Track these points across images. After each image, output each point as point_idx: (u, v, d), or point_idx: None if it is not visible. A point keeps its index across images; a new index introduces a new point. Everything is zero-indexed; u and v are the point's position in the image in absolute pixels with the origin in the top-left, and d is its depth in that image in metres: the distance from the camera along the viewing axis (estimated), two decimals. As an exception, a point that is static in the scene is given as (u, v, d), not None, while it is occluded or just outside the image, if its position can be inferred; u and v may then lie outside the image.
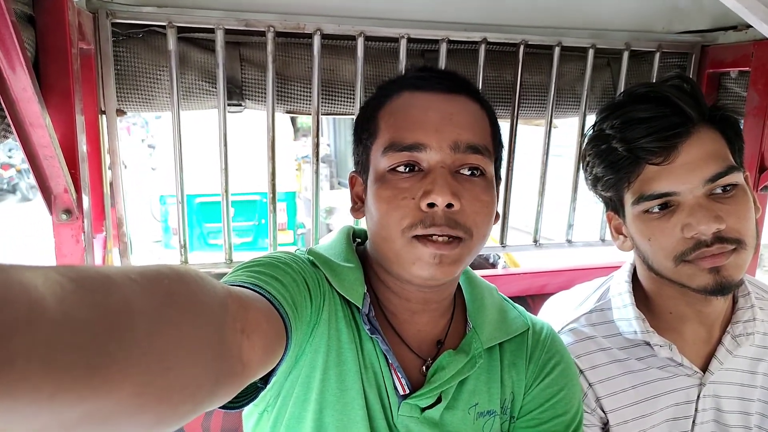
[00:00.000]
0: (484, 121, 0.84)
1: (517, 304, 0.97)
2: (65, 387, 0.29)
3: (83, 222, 1.03)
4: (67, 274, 0.31)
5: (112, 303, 0.34)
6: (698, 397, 1.00)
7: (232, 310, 0.50)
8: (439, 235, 0.76)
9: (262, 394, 0.65)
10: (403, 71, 1.29)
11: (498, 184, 0.90)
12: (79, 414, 0.31)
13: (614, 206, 1.00)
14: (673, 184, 0.88)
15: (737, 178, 0.89)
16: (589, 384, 0.99)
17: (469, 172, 0.79)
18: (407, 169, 0.79)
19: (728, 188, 0.89)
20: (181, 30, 1.18)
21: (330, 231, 6.57)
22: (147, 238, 7.26)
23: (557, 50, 1.38)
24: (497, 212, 0.92)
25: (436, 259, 0.76)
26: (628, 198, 0.94)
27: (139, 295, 0.36)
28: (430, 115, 0.79)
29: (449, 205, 0.75)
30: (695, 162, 0.88)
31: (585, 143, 1.02)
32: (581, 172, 1.51)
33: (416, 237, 0.76)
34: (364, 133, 0.87)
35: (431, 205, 0.75)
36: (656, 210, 0.91)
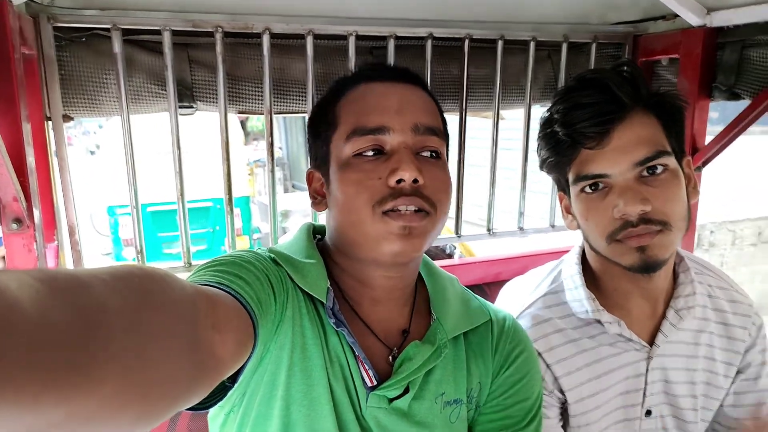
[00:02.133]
0: (436, 109, 0.89)
1: (477, 295, 0.99)
2: (49, 387, 0.30)
3: (35, 232, 1.00)
4: (39, 276, 0.32)
5: (86, 303, 0.34)
6: (647, 370, 1.05)
7: (202, 307, 0.50)
8: (407, 209, 0.79)
9: (229, 394, 0.65)
10: (353, 68, 1.31)
11: None
12: (63, 414, 0.32)
13: (562, 186, 1.05)
14: (604, 167, 0.93)
15: (667, 161, 0.93)
16: (547, 365, 1.03)
17: (429, 154, 0.84)
18: (372, 153, 0.82)
19: (657, 171, 0.93)
20: (126, 32, 1.16)
21: (285, 234, 6.51)
22: (95, 251, 7.02)
23: (500, 44, 1.42)
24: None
25: (405, 231, 0.78)
26: (570, 178, 0.99)
27: (111, 295, 0.37)
28: (391, 100, 0.83)
29: (415, 181, 0.78)
30: (626, 146, 0.92)
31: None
32: (529, 162, 1.57)
33: (386, 213, 0.79)
34: (322, 126, 0.88)
35: (399, 182, 0.78)
36: (590, 190, 0.96)
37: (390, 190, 0.79)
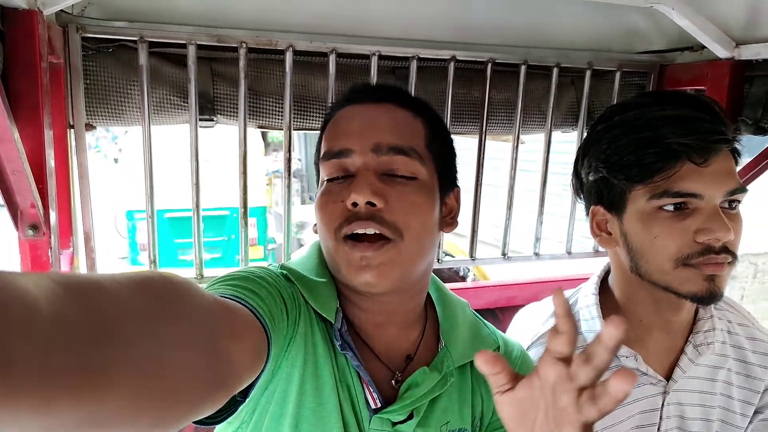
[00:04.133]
0: (415, 127, 0.85)
1: (488, 322, 0.98)
2: (63, 390, 0.29)
3: (50, 238, 1.01)
4: (58, 279, 0.32)
5: (104, 307, 0.34)
6: (663, 404, 1.03)
7: (220, 315, 0.50)
8: (363, 235, 0.77)
9: (239, 409, 0.65)
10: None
11: (450, 191, 0.90)
12: (77, 418, 0.31)
13: (609, 200, 0.99)
14: (700, 187, 0.89)
15: (741, 198, 0.93)
16: None
17: (399, 175, 0.80)
18: (339, 176, 0.82)
19: (734, 205, 0.93)
20: (152, 45, 1.17)
21: (301, 246, 6.53)
22: (112, 254, 7.11)
23: (523, 68, 1.42)
24: (456, 221, 0.91)
25: (363, 261, 0.76)
26: (644, 193, 0.93)
27: (130, 300, 0.37)
28: (355, 123, 0.83)
29: (373, 204, 0.76)
30: (723, 172, 0.90)
31: (597, 131, 1.00)
32: (548, 186, 1.56)
33: (345, 239, 0.78)
34: (316, 154, 0.90)
35: (355, 205, 0.77)
36: (670, 208, 0.91)
37: (348, 213, 0.78)
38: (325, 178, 0.83)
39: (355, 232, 0.77)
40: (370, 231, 0.76)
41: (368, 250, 0.76)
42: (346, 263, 0.78)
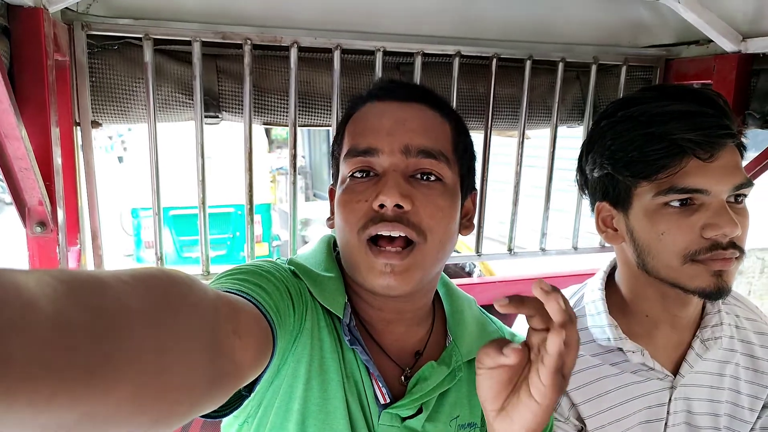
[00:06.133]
0: (443, 129, 0.84)
1: (495, 318, 0.98)
2: (63, 388, 0.29)
3: (58, 235, 1.01)
4: (59, 276, 0.32)
5: (105, 304, 0.34)
6: (670, 399, 1.02)
7: (223, 312, 0.50)
8: (389, 238, 0.76)
9: (245, 403, 0.65)
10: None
11: (469, 194, 0.90)
12: (78, 415, 0.31)
13: (614, 196, 0.99)
14: (706, 183, 0.89)
15: (748, 192, 0.93)
16: (565, 392, 1.01)
17: (425, 177, 0.80)
18: (363, 174, 0.80)
19: (740, 200, 0.92)
20: (157, 42, 1.17)
21: (306, 243, 6.54)
22: (118, 251, 7.13)
23: (528, 63, 1.41)
24: (472, 223, 0.92)
25: (387, 268, 0.76)
26: (649, 189, 0.93)
27: (132, 297, 0.37)
28: (384, 121, 0.81)
29: (400, 206, 0.76)
30: (729, 167, 0.90)
31: (600, 127, 1.00)
32: (553, 182, 1.56)
33: (369, 242, 0.77)
34: (335, 146, 0.89)
35: (382, 206, 0.77)
36: (676, 204, 0.91)
37: (374, 213, 0.77)
38: (347, 174, 0.82)
39: (380, 233, 0.76)
40: (396, 234, 0.76)
41: (394, 258, 0.76)
42: (368, 267, 0.78)
